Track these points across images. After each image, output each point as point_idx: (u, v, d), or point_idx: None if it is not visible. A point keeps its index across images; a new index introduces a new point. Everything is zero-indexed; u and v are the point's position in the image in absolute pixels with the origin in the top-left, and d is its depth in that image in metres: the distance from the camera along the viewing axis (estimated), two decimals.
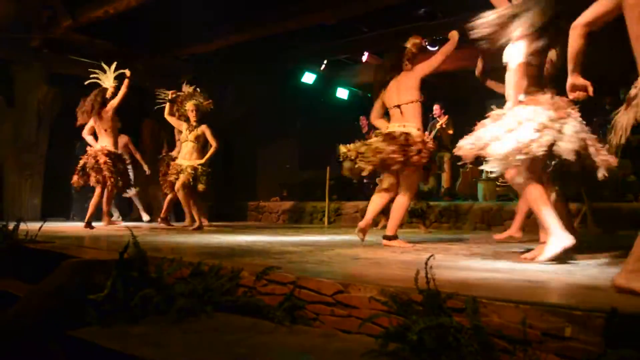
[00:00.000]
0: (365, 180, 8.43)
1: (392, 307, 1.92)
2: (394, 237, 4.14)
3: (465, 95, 10.11)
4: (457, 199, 8.28)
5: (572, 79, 2.59)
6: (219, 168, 7.40)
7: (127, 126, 7.34)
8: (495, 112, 3.20)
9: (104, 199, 6.46)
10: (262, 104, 9.72)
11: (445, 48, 4.26)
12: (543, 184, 3.08)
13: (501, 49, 3.26)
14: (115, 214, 8.23)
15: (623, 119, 2.25)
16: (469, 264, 2.95)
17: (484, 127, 3.17)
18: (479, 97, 10.03)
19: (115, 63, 6.45)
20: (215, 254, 3.44)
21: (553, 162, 3.02)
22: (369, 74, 7.77)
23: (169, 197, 6.90)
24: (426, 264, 1.95)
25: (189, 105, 6.62)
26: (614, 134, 2.30)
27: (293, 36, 8.46)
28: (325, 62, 10.25)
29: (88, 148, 6.44)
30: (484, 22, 3.12)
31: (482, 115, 3.27)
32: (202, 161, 6.48)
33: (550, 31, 3.07)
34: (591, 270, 2.69)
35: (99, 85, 6.41)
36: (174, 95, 6.66)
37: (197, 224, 6.36)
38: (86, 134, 6.51)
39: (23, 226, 3.93)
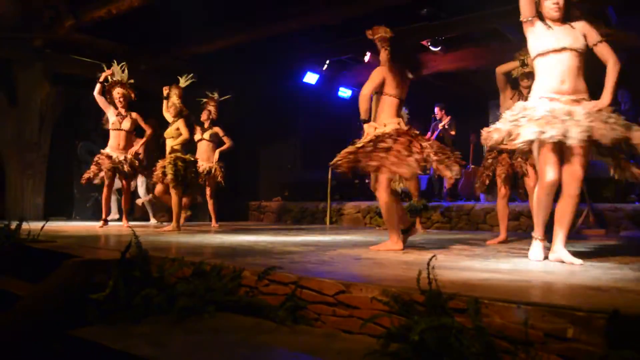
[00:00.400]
0: (367, 181, 8.44)
1: (394, 308, 1.92)
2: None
3: (465, 95, 10.11)
4: (459, 200, 8.31)
5: None
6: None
7: None
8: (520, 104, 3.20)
9: (123, 199, 6.56)
10: (263, 104, 9.72)
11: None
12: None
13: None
14: (116, 215, 8.22)
15: None
16: (470, 265, 2.95)
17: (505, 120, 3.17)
18: (480, 97, 10.09)
19: (124, 63, 6.42)
20: (217, 253, 3.45)
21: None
22: None
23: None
24: (428, 264, 1.95)
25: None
26: None
27: (295, 36, 8.45)
28: (327, 62, 10.23)
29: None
30: None
31: (482, 116, 3.25)
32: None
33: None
34: (594, 271, 2.69)
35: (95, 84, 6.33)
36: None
37: (173, 225, 5.87)
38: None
39: (25, 226, 3.92)
